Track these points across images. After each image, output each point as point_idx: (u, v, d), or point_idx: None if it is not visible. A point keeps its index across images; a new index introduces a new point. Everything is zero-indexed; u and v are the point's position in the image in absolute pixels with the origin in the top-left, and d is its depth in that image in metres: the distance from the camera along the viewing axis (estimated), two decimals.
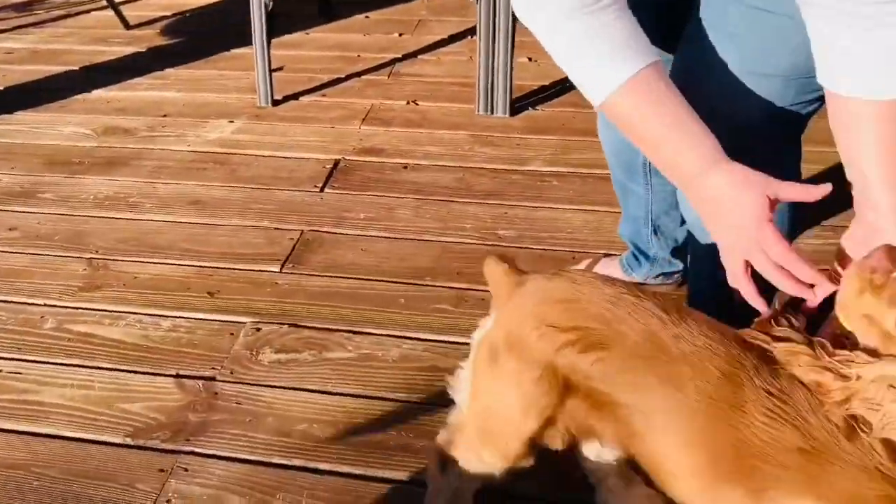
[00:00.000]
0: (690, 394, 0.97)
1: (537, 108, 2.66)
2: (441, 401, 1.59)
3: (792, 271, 1.01)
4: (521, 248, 2.03)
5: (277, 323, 1.79)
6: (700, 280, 1.54)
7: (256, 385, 1.63)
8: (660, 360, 0.99)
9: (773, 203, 1.03)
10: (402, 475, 1.44)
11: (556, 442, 1.11)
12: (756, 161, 1.24)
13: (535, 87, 2.73)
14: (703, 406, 0.97)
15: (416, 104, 2.73)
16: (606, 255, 1.91)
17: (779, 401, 0.95)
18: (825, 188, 1.03)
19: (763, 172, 1.32)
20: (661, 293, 1.08)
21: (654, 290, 1.08)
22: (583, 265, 1.89)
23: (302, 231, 2.10)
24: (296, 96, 2.80)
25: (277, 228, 2.11)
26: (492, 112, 2.62)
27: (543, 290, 1.09)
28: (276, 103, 2.74)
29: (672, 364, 0.99)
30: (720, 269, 1.45)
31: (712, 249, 1.44)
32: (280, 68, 2.96)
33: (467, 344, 1.73)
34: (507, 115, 2.61)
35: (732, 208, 1.03)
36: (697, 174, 1.06)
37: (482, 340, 1.14)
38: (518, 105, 2.65)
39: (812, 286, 1.01)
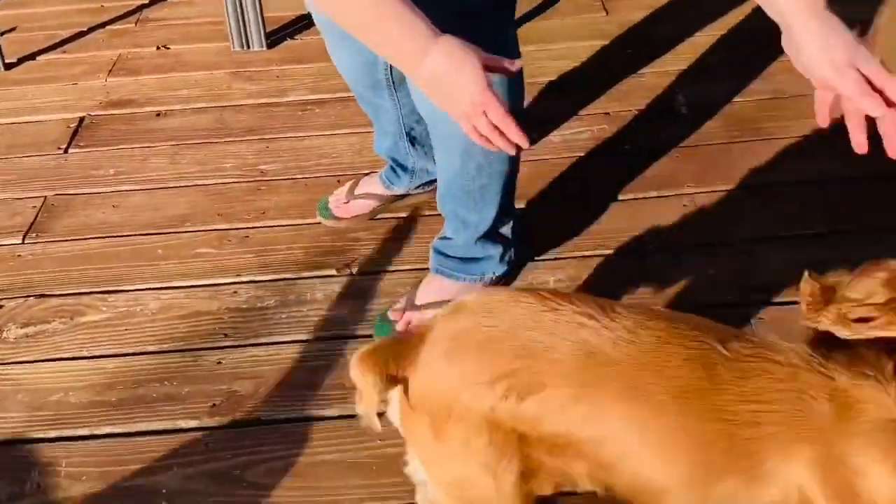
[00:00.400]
0: (656, 397, 0.86)
1: (296, 37, 2.58)
2: (205, 343, 1.55)
3: (505, 132, 1.10)
4: (285, 179, 1.98)
5: (22, 297, 1.66)
6: (445, 172, 1.55)
7: (1, 364, 1.52)
8: (608, 376, 0.88)
9: (488, 70, 1.09)
10: (166, 424, 1.40)
11: (544, 488, 0.98)
12: (485, 41, 1.25)
13: (293, 17, 2.64)
14: (674, 406, 0.86)
15: (168, 48, 2.58)
16: (367, 174, 1.90)
17: (754, 355, 0.87)
18: (520, 62, 1.16)
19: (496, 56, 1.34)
20: (579, 294, 0.99)
21: (567, 291, 1.00)
22: (345, 187, 1.88)
23: (45, 197, 1.94)
24: (32, 56, 2.56)
25: (17, 199, 1.95)
26: (248, 47, 2.52)
27: (453, 338, 0.95)
28: (9, 67, 2.50)
29: (623, 374, 0.87)
30: (460, 159, 1.48)
31: (451, 141, 1.47)
32: (12, 29, 2.70)
33: (232, 283, 1.73)
34: (265, 49, 2.52)
35: (455, 79, 1.08)
36: (419, 59, 1.10)
37: (404, 417, 0.99)
38: (275, 37, 2.56)
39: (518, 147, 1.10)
